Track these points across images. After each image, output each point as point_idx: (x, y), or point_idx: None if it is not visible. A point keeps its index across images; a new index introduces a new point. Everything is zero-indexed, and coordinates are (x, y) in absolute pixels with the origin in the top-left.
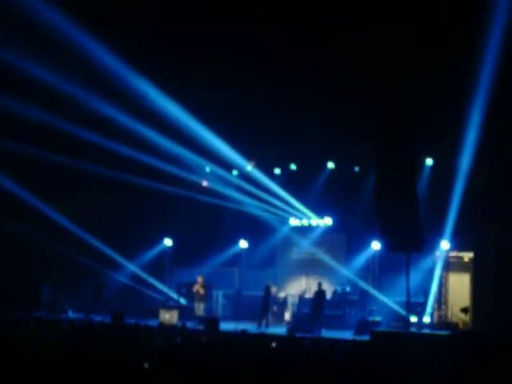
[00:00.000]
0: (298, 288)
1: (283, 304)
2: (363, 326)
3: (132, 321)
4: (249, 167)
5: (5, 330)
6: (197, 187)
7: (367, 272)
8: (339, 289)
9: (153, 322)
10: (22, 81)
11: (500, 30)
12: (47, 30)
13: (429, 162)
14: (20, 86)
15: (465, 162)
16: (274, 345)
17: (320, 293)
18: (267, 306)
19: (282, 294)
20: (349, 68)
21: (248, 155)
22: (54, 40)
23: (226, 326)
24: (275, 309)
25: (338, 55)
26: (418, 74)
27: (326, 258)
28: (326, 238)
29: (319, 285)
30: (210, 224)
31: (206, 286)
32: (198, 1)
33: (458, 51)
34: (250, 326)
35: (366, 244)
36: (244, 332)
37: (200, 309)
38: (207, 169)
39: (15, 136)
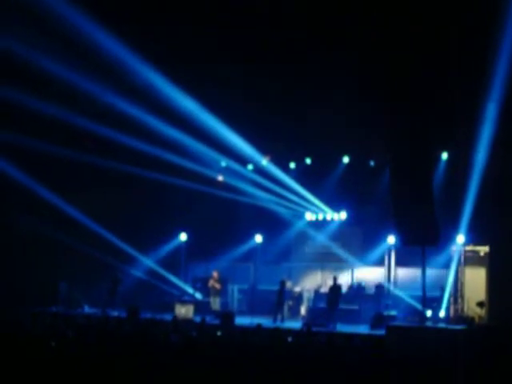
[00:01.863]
0: (313, 282)
1: (298, 298)
2: (379, 321)
3: (148, 315)
4: (264, 161)
5: (22, 324)
6: (212, 182)
7: (383, 266)
8: (355, 283)
9: (168, 317)
10: (39, 76)
11: None
12: (61, 24)
13: (444, 155)
14: (36, 82)
15: (480, 155)
16: (289, 339)
17: (335, 287)
18: (282, 300)
19: (297, 289)
20: (363, 63)
21: (263, 149)
22: (69, 35)
23: (241, 320)
24: (290, 303)
25: (353, 50)
26: (432, 68)
27: (341, 252)
28: (342, 233)
29: (334, 279)
30: (225, 218)
31: (222, 280)
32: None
33: (473, 44)
34: (266, 321)
35: (382, 238)
36: (259, 326)
37: (215, 303)
38: (223, 163)
39: (31, 132)
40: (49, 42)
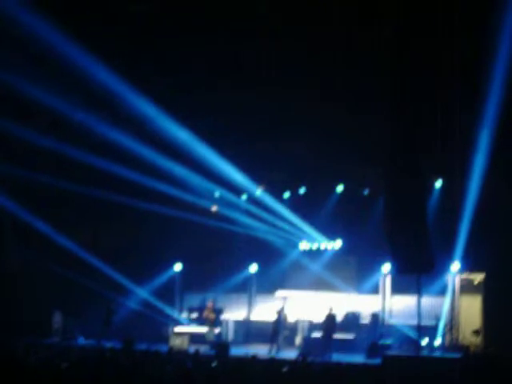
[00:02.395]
0: (308, 312)
1: (294, 328)
2: (374, 350)
3: (143, 346)
4: (258, 191)
5: (16, 356)
6: (206, 212)
7: (378, 294)
8: (350, 312)
9: (163, 348)
10: (33, 107)
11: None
12: (53, 54)
13: (438, 183)
14: (30, 113)
15: (474, 183)
16: (285, 369)
17: (331, 317)
18: (278, 330)
19: (292, 319)
20: (356, 91)
21: (257, 179)
22: (61, 65)
23: (236, 350)
24: (286, 333)
25: (346, 79)
26: (426, 96)
27: (336, 281)
28: (336, 261)
29: (330, 309)
30: (219, 249)
31: (217, 310)
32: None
33: (466, 71)
34: (261, 351)
35: (377, 266)
36: (255, 357)
37: (211, 334)
38: (217, 193)
39: (26, 163)
40: (41, 72)
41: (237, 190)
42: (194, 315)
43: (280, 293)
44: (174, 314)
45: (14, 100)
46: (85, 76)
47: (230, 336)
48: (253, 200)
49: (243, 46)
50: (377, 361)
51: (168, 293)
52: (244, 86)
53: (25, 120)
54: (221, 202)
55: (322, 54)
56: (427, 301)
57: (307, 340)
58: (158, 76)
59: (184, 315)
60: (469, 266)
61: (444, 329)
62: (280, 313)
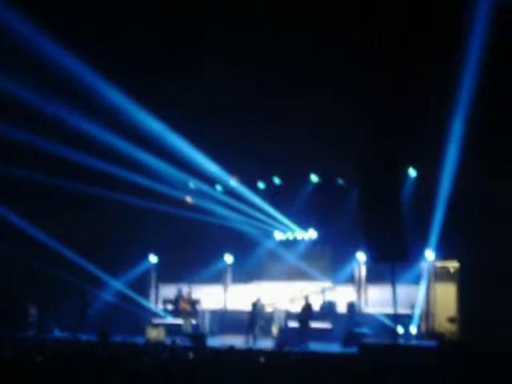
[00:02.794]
0: (284, 302)
1: (270, 318)
2: (351, 339)
3: (118, 339)
4: (232, 182)
5: None
6: (181, 203)
7: (353, 284)
8: (326, 301)
9: (140, 340)
10: (8, 103)
11: (481, 38)
12: (24, 46)
13: (412, 172)
14: (3, 107)
15: (448, 171)
16: (262, 360)
17: (306, 306)
18: (254, 320)
19: (268, 309)
20: (333, 80)
21: (231, 170)
22: (32, 57)
23: (213, 341)
24: (262, 323)
25: (323, 67)
26: (399, 84)
27: (311, 270)
28: (311, 251)
29: (306, 298)
30: (194, 240)
31: (192, 302)
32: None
33: (439, 59)
34: (238, 342)
35: (351, 255)
36: (232, 348)
37: (187, 325)
38: (191, 184)
39: (1, 158)
40: (13, 64)
41: (211, 181)
42: (170, 306)
43: (255, 283)
44: (150, 305)
45: None
46: (57, 68)
47: (207, 327)
48: (227, 190)
49: (214, 32)
50: (353, 349)
51: (143, 284)
52: (217, 75)
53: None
54: (195, 192)
55: (294, 45)
56: (402, 289)
57: (284, 330)
58: (130, 67)
59: (160, 307)
60: (443, 254)
61: (420, 317)
62: (256, 303)
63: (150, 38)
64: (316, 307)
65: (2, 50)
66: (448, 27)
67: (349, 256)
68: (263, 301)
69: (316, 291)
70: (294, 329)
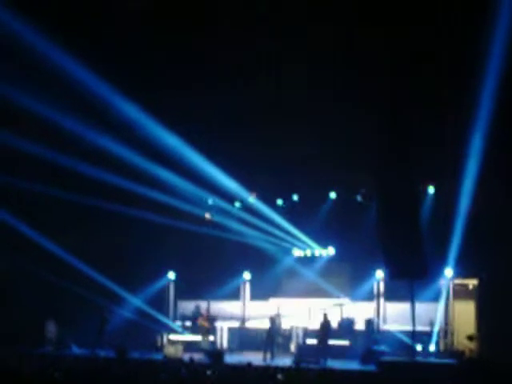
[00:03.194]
0: (302, 319)
1: (288, 335)
2: (369, 356)
3: (136, 355)
4: (251, 199)
5: (9, 366)
6: (199, 220)
7: (372, 301)
8: (344, 318)
9: (157, 356)
10: (21, 114)
11: (499, 57)
12: (43, 62)
13: (431, 189)
14: (18, 120)
15: (467, 188)
16: (279, 377)
17: (325, 323)
18: (272, 337)
19: (286, 325)
20: (353, 99)
21: (250, 187)
22: (51, 72)
23: (231, 358)
24: (280, 340)
25: (337, 84)
26: (419, 101)
27: (330, 287)
28: (330, 268)
29: (325, 315)
30: (213, 256)
31: (211, 318)
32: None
33: (459, 76)
34: (256, 358)
35: (370, 272)
36: (249, 364)
37: (205, 342)
38: (210, 201)
39: (18, 172)
40: (31, 80)
41: (230, 198)
42: (188, 323)
43: (274, 300)
44: (168, 322)
45: (2, 107)
46: (73, 82)
47: (225, 344)
48: (246, 207)
49: (236, 50)
50: (371, 367)
51: (161, 301)
52: (237, 92)
53: (12, 126)
54: (214, 209)
55: (312, 60)
56: (421, 306)
57: (302, 347)
58: (149, 83)
59: (178, 323)
60: (462, 271)
61: (438, 334)
62: (274, 320)
63: (166, 52)
64: (334, 324)
65: (19, 65)
66: (468, 39)
67: (367, 273)
68: (281, 317)
69: (334, 308)
70: (312, 345)
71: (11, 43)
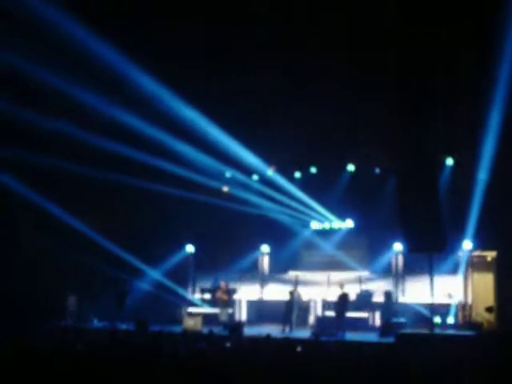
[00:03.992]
0: (321, 291)
1: (306, 308)
2: (388, 328)
3: (156, 328)
4: (269, 172)
5: (31, 339)
6: (217, 193)
7: (390, 273)
8: (363, 291)
9: (177, 329)
10: (48, 95)
11: None
12: (61, 36)
13: (449, 161)
14: (44, 100)
15: (486, 160)
16: (299, 349)
17: (343, 295)
18: (291, 310)
19: (305, 298)
20: (369, 71)
21: (268, 160)
22: (69, 47)
23: (250, 330)
24: (299, 313)
25: (356, 59)
26: (436, 74)
27: (348, 260)
28: (348, 241)
29: (341, 287)
30: (231, 229)
31: (229, 291)
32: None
33: (477, 49)
34: (274, 331)
35: (389, 245)
36: (268, 336)
37: (224, 314)
38: (227, 174)
39: (39, 148)
40: (49, 54)
41: (248, 171)
42: (207, 296)
43: (292, 272)
44: (187, 295)
45: (26, 86)
46: (93, 57)
47: (243, 316)
48: (264, 180)
49: (253, 29)
50: (390, 339)
51: (180, 274)
52: (255, 67)
53: (37, 105)
54: (232, 182)
55: (329, 36)
56: (440, 279)
57: (320, 319)
58: (170, 57)
59: (197, 296)
60: (481, 243)
61: (457, 307)
62: (293, 292)
63: (189, 28)
64: (353, 296)
65: (39, 41)
66: (486, 16)
67: (386, 245)
68: (300, 290)
69: (352, 281)
70: (330, 318)
71: (25, 15)
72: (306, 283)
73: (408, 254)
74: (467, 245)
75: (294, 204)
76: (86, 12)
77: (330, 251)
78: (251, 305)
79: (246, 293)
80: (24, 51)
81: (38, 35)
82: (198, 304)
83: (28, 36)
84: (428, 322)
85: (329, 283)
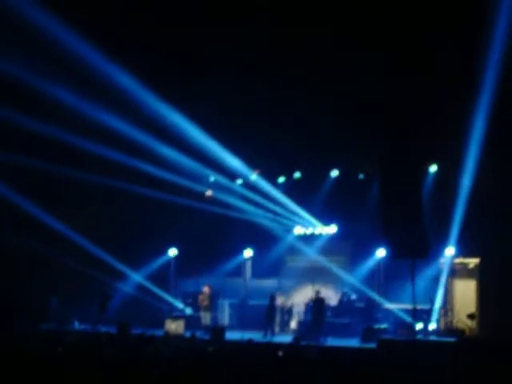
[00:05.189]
0: (303, 296)
1: (289, 312)
2: (369, 334)
3: (138, 331)
4: (253, 176)
5: (13, 342)
6: (201, 197)
7: (373, 279)
8: (345, 297)
9: (159, 333)
10: (28, 93)
11: (503, 32)
12: (53, 43)
13: (433, 168)
14: (26, 99)
15: (469, 167)
16: (280, 354)
17: (318, 300)
18: (272, 314)
19: (287, 303)
20: (351, 78)
21: (252, 164)
22: (61, 53)
23: (231, 335)
24: (280, 317)
25: (341, 64)
26: (421, 80)
27: (331, 265)
28: (331, 246)
29: (317, 293)
30: (214, 233)
31: (212, 295)
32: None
33: (461, 55)
34: (256, 335)
35: (372, 251)
36: (250, 341)
37: (206, 318)
38: (211, 178)
39: (21, 149)
40: (41, 60)
41: (231, 175)
42: (189, 300)
43: (275, 277)
44: (169, 298)
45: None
46: (76, 59)
47: (226, 320)
48: (248, 185)
49: (238, 30)
50: (372, 345)
51: (163, 278)
52: (239, 70)
53: (22, 106)
54: (215, 186)
55: (314, 39)
56: (422, 285)
57: (302, 324)
58: (152, 59)
59: (179, 300)
60: (463, 250)
61: (439, 313)
62: (275, 297)
63: (172, 28)
64: (335, 302)
65: (26, 45)
66: (472, 21)
67: (369, 251)
68: (281, 295)
69: (335, 286)
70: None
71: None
72: (288, 288)
73: (391, 259)
74: (450, 251)
75: (277, 209)
76: (70, 12)
77: (313, 256)
78: (233, 309)
79: (229, 298)
80: (16, 57)
81: (29, 41)
82: (180, 307)
83: (20, 43)
84: (410, 327)
85: (312, 289)
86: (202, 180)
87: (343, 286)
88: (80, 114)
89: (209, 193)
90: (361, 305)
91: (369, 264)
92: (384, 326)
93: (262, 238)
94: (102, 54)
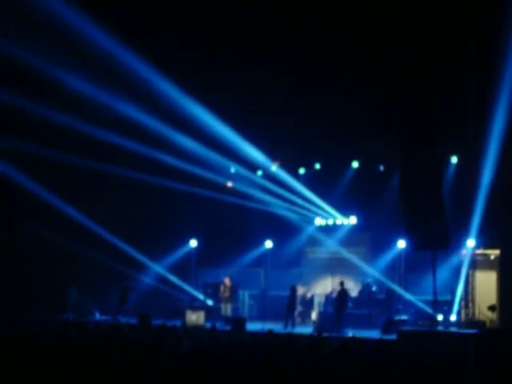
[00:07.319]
0: (324, 287)
1: (309, 304)
2: (390, 325)
3: (159, 322)
4: (273, 167)
5: (33, 332)
6: (222, 188)
7: (393, 271)
8: (367, 288)
9: (179, 323)
10: (51, 85)
11: None
12: (72, 32)
13: (454, 159)
14: (50, 92)
15: (490, 159)
16: (301, 344)
17: (342, 292)
18: (293, 305)
19: (308, 294)
20: (373, 67)
21: (272, 155)
22: (79, 43)
23: (252, 326)
24: (301, 308)
25: (362, 55)
26: (443, 71)
27: (351, 257)
28: (352, 237)
29: (341, 284)
30: (235, 225)
31: (233, 286)
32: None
33: (483, 46)
34: (277, 326)
35: (392, 243)
36: (270, 332)
37: (226, 309)
38: (232, 169)
39: (41, 139)
40: (60, 50)
41: (252, 166)
42: (210, 291)
43: (295, 268)
44: (190, 289)
45: (32, 78)
46: (100, 52)
47: (246, 311)
48: (268, 176)
49: (260, 18)
50: (392, 336)
51: (184, 269)
52: (260, 62)
53: (41, 97)
54: (236, 177)
55: (332, 29)
56: (442, 276)
57: (322, 315)
58: (175, 52)
59: (200, 291)
60: (484, 242)
61: (459, 304)
62: (295, 288)
63: (195, 22)
64: (355, 293)
65: (49, 35)
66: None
67: (389, 242)
68: (302, 286)
69: (356, 278)
70: (332, 314)
71: (39, 14)
72: (308, 279)
73: (412, 251)
74: (471, 243)
75: (298, 200)
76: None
77: (333, 248)
78: (254, 300)
79: (249, 288)
80: (30, 44)
81: (44, 29)
82: (200, 299)
83: (34, 29)
84: (431, 319)
85: (332, 280)
86: (222, 171)
87: (365, 277)
88: (101, 105)
89: (230, 184)
90: (381, 296)
91: (389, 255)
92: (404, 317)
93: (282, 229)
94: (122, 44)
